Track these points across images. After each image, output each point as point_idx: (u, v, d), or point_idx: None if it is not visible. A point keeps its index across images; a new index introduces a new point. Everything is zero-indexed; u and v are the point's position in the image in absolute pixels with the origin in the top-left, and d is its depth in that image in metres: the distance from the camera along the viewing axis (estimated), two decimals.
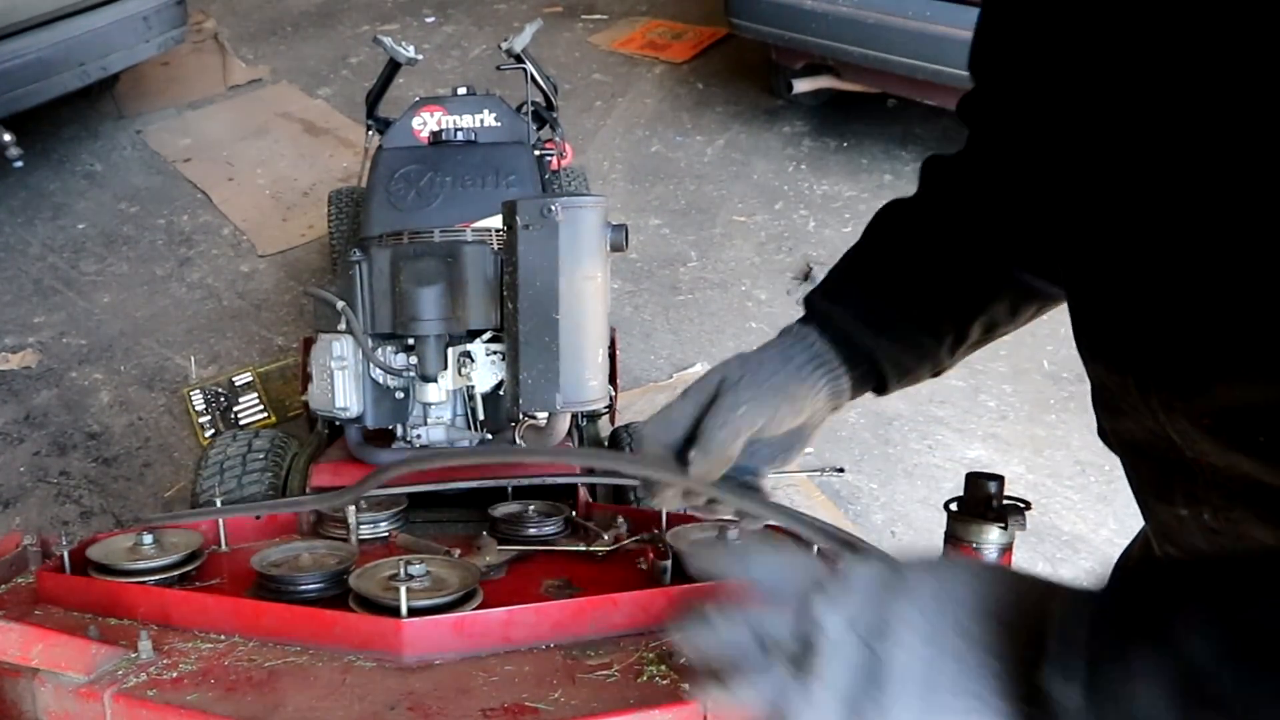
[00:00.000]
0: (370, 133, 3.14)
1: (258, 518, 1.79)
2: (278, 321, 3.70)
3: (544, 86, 3.25)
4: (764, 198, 4.26)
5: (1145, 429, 0.69)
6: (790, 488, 2.87)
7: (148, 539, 1.56)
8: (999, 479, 0.86)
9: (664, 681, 1.15)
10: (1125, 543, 1.12)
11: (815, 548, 0.77)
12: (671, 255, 3.94)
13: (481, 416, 2.04)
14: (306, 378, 2.15)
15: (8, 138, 3.86)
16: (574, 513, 1.85)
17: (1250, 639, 0.47)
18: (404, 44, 3.12)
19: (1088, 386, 0.78)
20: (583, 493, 1.94)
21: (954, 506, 0.88)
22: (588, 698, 1.13)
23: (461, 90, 2.94)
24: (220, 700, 1.13)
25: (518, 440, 2.00)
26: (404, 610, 1.25)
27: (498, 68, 3.25)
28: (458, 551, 1.59)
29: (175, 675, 1.19)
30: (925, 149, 4.40)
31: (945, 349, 0.89)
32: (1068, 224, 0.72)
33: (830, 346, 0.86)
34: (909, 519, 2.80)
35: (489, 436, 2.07)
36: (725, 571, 0.62)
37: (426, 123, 2.84)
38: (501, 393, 2.04)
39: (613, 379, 2.31)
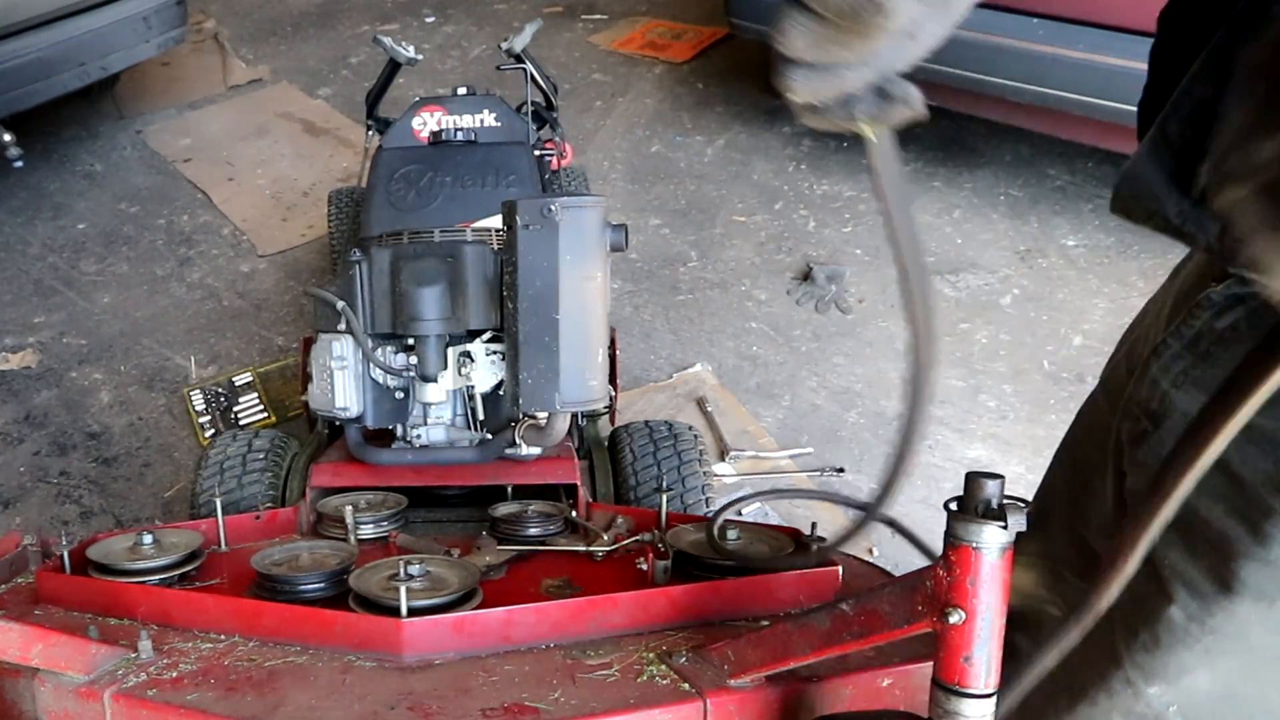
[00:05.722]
0: (370, 133, 3.15)
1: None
2: (278, 321, 3.70)
3: (544, 86, 3.25)
4: (764, 198, 4.26)
5: None
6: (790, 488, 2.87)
7: (147, 539, 1.56)
8: (999, 479, 0.86)
9: (664, 681, 1.15)
10: None
11: None
12: (671, 255, 3.94)
13: (481, 416, 2.05)
14: (306, 378, 2.15)
15: (8, 138, 3.86)
16: (574, 513, 1.85)
17: None
18: (404, 44, 3.12)
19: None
20: (582, 492, 1.94)
21: (954, 506, 0.87)
22: (588, 698, 1.12)
23: (461, 90, 2.94)
24: (220, 700, 1.13)
25: (517, 440, 2.00)
26: (404, 610, 1.25)
27: (498, 68, 3.25)
28: (458, 551, 1.59)
29: (175, 675, 1.19)
30: (925, 149, 4.40)
31: None
32: None
33: None
34: (909, 519, 2.78)
35: (489, 436, 2.07)
36: None
37: (426, 123, 2.84)
38: (501, 393, 2.04)
39: (613, 379, 2.31)
